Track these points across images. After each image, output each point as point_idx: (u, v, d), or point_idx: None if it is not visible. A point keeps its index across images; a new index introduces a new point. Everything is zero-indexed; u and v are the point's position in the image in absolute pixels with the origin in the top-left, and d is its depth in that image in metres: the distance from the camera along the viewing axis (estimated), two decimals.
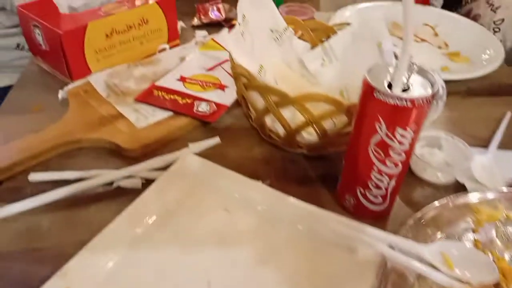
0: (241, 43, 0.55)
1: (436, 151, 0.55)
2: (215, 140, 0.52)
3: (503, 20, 0.91)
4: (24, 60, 0.80)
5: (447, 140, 0.55)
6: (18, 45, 1.02)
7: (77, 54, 0.62)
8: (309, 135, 0.51)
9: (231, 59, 0.50)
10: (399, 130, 0.38)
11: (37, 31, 0.63)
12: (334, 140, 0.50)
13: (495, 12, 0.93)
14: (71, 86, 0.63)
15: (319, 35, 0.64)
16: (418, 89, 0.38)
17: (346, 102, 0.45)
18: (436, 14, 0.92)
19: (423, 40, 0.83)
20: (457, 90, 0.70)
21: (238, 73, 0.50)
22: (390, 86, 0.38)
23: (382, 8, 0.92)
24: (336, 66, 0.61)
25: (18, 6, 0.65)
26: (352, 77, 0.60)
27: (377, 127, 0.39)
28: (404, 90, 0.38)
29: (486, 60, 0.76)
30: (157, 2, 0.69)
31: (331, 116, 0.47)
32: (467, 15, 0.96)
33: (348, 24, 0.61)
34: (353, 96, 0.61)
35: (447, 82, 0.55)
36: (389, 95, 0.37)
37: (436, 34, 0.86)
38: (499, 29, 0.88)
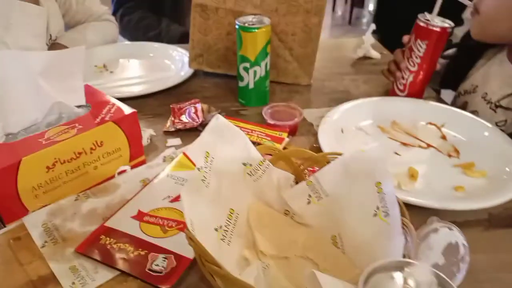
0: (203, 192, 0.43)
1: None
2: None
3: (505, 121, 0.79)
4: None
5: None
6: None
7: (8, 194, 0.51)
8: None
9: (187, 224, 0.38)
10: None
11: None
12: None
13: (495, 111, 0.80)
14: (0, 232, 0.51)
15: (304, 163, 0.53)
16: None
17: None
18: (441, 110, 0.81)
19: (429, 145, 0.72)
20: (477, 218, 0.57)
21: (192, 246, 0.38)
22: None
23: (370, 105, 0.82)
24: (325, 204, 0.49)
25: None
26: (346, 220, 0.48)
27: None
28: None
29: (506, 174, 0.64)
30: (114, 121, 0.59)
31: None
32: (463, 109, 0.83)
33: (339, 154, 0.50)
34: (348, 246, 0.48)
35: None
36: None
37: (444, 137, 0.74)
38: (503, 131, 0.74)
